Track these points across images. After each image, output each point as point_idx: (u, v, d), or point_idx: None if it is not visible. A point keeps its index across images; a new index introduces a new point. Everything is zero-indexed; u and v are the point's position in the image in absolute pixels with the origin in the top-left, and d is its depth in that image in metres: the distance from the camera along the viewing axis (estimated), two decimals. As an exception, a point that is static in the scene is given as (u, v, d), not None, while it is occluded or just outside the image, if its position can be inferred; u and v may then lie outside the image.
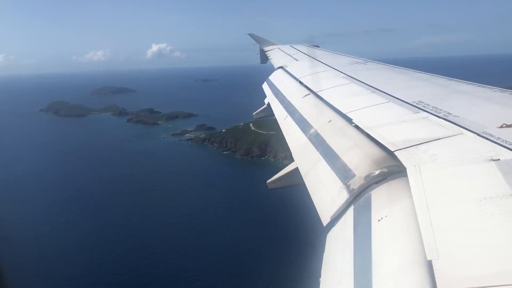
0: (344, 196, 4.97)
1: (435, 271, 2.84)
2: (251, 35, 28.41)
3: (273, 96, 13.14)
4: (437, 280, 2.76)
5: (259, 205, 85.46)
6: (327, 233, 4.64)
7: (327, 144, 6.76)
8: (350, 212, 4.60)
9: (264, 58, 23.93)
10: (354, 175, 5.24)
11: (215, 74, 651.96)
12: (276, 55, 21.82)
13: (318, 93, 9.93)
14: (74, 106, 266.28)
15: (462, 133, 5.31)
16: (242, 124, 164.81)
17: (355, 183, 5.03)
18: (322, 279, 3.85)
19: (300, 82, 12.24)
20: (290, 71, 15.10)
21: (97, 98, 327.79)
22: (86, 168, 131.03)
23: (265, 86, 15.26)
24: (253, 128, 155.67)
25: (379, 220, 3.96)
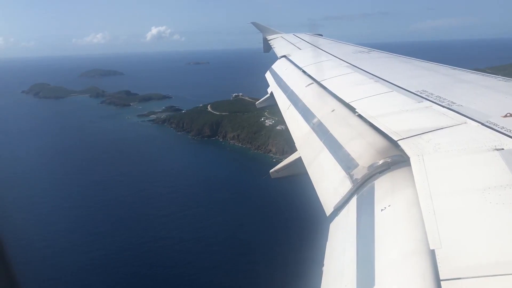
0: (347, 185, 4.97)
1: (437, 260, 2.85)
2: (254, 24, 28.24)
3: (276, 85, 13.10)
4: (439, 269, 2.77)
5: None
6: (330, 222, 4.65)
7: (330, 134, 6.75)
8: (353, 201, 4.60)
9: (267, 46, 23.81)
10: (357, 165, 5.23)
11: (211, 57, 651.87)
12: (279, 43, 21.70)
13: (321, 82, 9.89)
14: (54, 88, 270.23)
15: (466, 123, 5.29)
16: (201, 105, 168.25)
17: (358, 173, 5.02)
18: (325, 268, 3.87)
19: (303, 71, 12.19)
20: (293, 60, 15.02)
21: (85, 80, 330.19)
22: (38, 147, 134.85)
23: (268, 75, 15.20)
24: (209, 109, 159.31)
25: (382, 210, 3.97)
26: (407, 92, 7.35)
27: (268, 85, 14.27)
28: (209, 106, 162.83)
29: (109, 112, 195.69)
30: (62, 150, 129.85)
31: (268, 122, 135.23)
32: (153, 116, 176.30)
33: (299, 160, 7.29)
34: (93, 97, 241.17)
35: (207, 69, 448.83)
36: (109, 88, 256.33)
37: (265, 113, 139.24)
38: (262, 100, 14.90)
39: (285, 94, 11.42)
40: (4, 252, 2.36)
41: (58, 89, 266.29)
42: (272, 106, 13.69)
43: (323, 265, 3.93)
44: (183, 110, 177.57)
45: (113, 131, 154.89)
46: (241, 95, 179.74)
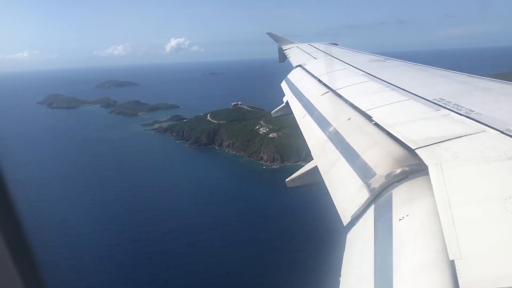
0: (364, 195, 4.93)
1: (457, 271, 2.80)
2: (270, 34, 28.38)
3: (292, 95, 13.11)
4: (459, 280, 2.72)
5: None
6: (347, 232, 4.61)
7: (347, 143, 6.72)
8: (371, 211, 4.56)
9: (283, 56, 23.88)
10: (374, 174, 5.19)
11: (228, 67, 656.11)
12: (294, 53, 21.76)
13: (337, 91, 9.87)
14: (67, 98, 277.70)
15: (484, 131, 5.21)
16: (202, 114, 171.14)
17: (376, 182, 4.98)
18: (342, 279, 3.83)
19: (319, 80, 12.18)
20: (308, 69, 15.04)
21: (100, 91, 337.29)
22: (38, 154, 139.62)
23: (283, 85, 15.23)
24: (208, 118, 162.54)
25: (400, 220, 3.92)
26: (424, 100, 7.28)
27: (283, 94, 14.29)
28: (208, 115, 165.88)
29: (116, 122, 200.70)
30: (61, 158, 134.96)
31: (262, 130, 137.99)
32: (156, 125, 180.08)
33: (315, 169, 7.25)
34: (104, 107, 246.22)
35: (221, 79, 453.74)
36: (122, 98, 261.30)
37: (261, 121, 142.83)
38: (278, 109, 14.91)
39: (300, 103, 11.42)
40: (31, 252, 2.41)
41: (70, 100, 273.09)
42: (287, 115, 13.68)
43: (340, 275, 3.90)
44: (188, 119, 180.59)
45: (114, 140, 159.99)
46: (240, 104, 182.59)
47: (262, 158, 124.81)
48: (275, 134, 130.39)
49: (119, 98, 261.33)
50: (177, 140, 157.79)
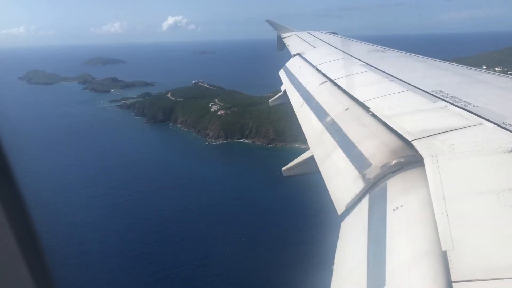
0: (359, 185, 4.94)
1: (449, 262, 2.82)
2: (269, 22, 28.25)
3: (290, 83, 13.06)
4: (451, 270, 2.74)
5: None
6: (342, 221, 4.63)
7: (344, 133, 6.72)
8: (365, 201, 4.57)
9: (281, 44, 23.77)
10: (370, 164, 5.20)
11: (222, 47, 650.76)
12: (293, 41, 21.64)
13: (335, 81, 9.84)
14: (46, 74, 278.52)
15: (481, 123, 5.22)
16: (164, 91, 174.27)
17: (371, 172, 4.99)
18: (335, 267, 3.86)
19: (317, 70, 12.14)
20: (307, 58, 14.97)
21: (86, 68, 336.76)
22: None
23: (281, 73, 15.17)
24: (168, 95, 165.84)
25: (394, 210, 3.94)
26: (422, 92, 7.28)
27: (279, 82, 14.25)
28: (169, 92, 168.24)
29: (87, 98, 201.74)
30: (13, 130, 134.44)
31: (213, 108, 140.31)
32: (122, 102, 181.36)
33: (311, 159, 7.26)
34: (81, 83, 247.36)
35: (210, 58, 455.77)
36: (104, 75, 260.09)
37: (216, 99, 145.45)
38: (276, 98, 14.86)
39: (298, 92, 11.39)
40: (40, 248, 2.38)
41: (50, 76, 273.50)
42: (285, 103, 13.64)
43: (333, 264, 3.92)
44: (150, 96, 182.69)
45: (74, 115, 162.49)
46: (201, 82, 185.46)
47: (208, 134, 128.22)
48: (223, 112, 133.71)
49: (100, 75, 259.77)
50: (136, 116, 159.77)
